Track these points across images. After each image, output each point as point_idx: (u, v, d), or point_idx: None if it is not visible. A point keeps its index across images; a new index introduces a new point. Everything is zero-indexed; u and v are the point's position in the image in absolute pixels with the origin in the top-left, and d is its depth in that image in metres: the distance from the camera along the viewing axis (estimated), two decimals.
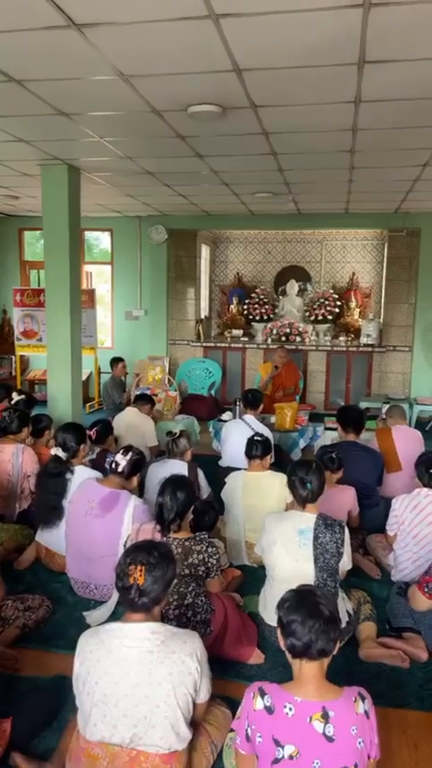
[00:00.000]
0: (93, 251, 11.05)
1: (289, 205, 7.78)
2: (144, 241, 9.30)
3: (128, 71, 3.46)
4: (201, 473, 4.35)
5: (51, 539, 3.78)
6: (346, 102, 3.90)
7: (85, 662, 1.98)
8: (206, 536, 2.99)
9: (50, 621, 3.22)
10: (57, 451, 3.80)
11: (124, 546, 3.20)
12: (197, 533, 3.00)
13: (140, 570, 2.01)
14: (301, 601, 1.84)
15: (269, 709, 1.75)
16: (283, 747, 1.69)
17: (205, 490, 4.41)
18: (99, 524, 3.40)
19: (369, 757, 1.78)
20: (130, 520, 3.38)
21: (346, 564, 2.95)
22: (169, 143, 4.92)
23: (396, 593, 3.26)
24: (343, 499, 3.89)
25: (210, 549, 2.90)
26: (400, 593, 3.21)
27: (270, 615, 2.92)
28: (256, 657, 2.93)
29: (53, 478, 3.76)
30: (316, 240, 9.55)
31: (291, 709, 1.72)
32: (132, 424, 5.38)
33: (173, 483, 2.99)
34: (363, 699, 1.80)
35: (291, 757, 1.67)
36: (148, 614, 2.03)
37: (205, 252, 9.74)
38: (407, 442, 4.65)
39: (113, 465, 3.56)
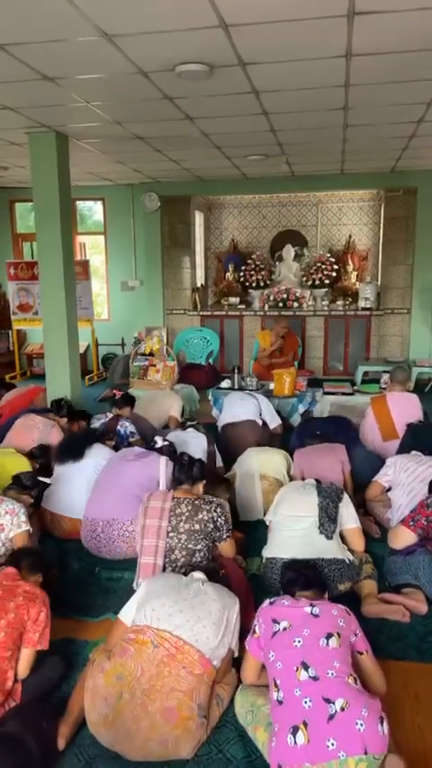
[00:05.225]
0: (86, 221, 10.91)
1: (283, 167, 7.64)
2: (137, 209, 9.17)
3: (111, 30, 3.37)
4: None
5: (58, 502, 3.88)
6: (336, 57, 3.80)
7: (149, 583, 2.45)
8: (214, 499, 3.16)
9: (56, 588, 3.27)
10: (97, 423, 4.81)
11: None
12: (205, 496, 3.18)
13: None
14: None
15: (271, 603, 2.28)
16: (279, 623, 2.15)
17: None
18: (133, 466, 3.73)
19: (360, 653, 2.17)
20: (164, 466, 3.64)
21: (349, 520, 3.21)
22: (158, 105, 4.81)
23: (389, 554, 3.31)
24: (335, 452, 4.08)
25: (218, 510, 3.05)
26: (394, 552, 3.26)
27: (272, 551, 3.15)
28: None
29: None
30: (311, 203, 9.40)
31: (286, 601, 2.26)
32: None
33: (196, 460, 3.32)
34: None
35: (285, 629, 2.12)
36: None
37: (199, 219, 9.60)
38: (403, 409, 4.63)
39: (153, 444, 4.03)
